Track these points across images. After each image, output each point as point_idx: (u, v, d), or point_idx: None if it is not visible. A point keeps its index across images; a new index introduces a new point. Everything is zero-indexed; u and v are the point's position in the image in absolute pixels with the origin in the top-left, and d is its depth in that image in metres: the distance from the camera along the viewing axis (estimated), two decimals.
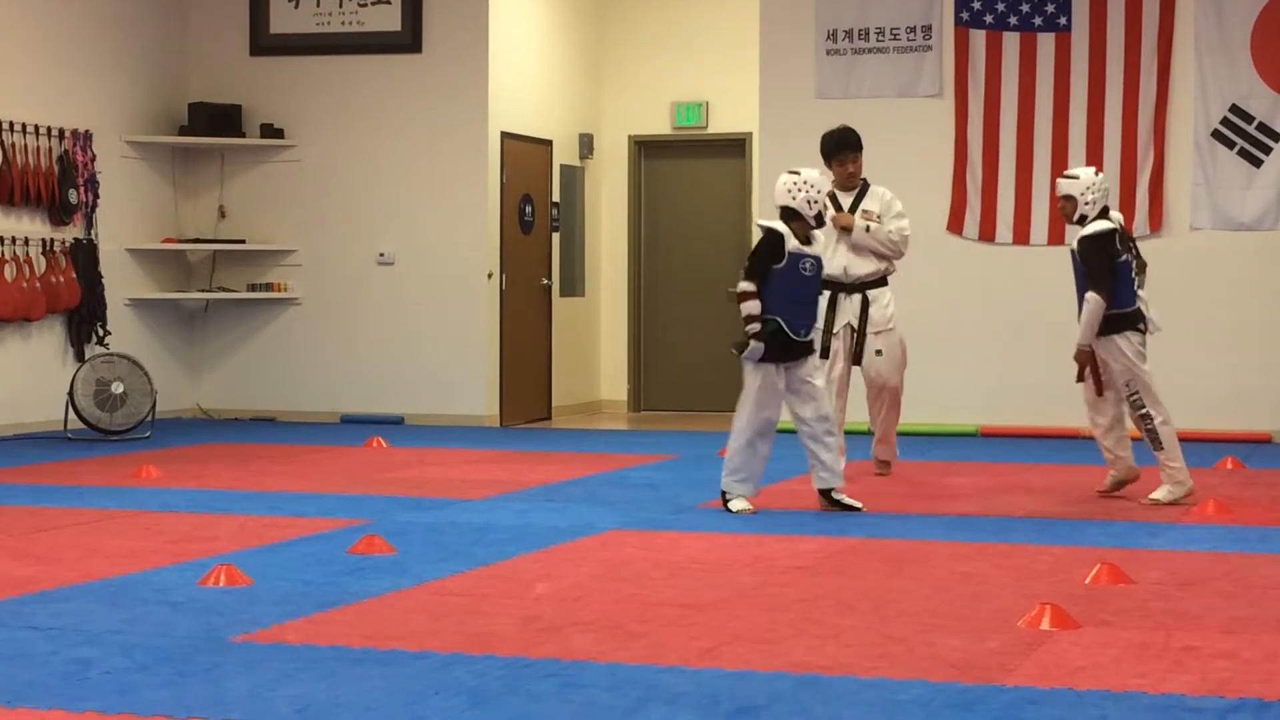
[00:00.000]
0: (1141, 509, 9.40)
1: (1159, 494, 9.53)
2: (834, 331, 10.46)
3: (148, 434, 13.43)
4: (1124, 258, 9.47)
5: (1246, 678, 5.40)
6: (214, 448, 12.87)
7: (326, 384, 15.21)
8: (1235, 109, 13.42)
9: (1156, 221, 13.56)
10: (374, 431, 13.57)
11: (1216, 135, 13.45)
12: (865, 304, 10.51)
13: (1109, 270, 9.35)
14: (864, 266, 10.51)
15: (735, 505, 9.15)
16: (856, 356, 10.55)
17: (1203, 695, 5.15)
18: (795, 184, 9.10)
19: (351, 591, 6.89)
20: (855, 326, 10.51)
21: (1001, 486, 10.34)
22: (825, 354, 10.32)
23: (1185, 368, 13.55)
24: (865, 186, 10.62)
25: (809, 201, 9.07)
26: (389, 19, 15.01)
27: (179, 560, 7.64)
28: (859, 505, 9.28)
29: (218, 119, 15.10)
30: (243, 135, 15.20)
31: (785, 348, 9.05)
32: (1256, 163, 13.40)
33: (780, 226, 9.10)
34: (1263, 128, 13.37)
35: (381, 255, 15.11)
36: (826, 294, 10.16)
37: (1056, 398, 13.70)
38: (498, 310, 15.05)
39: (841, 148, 10.60)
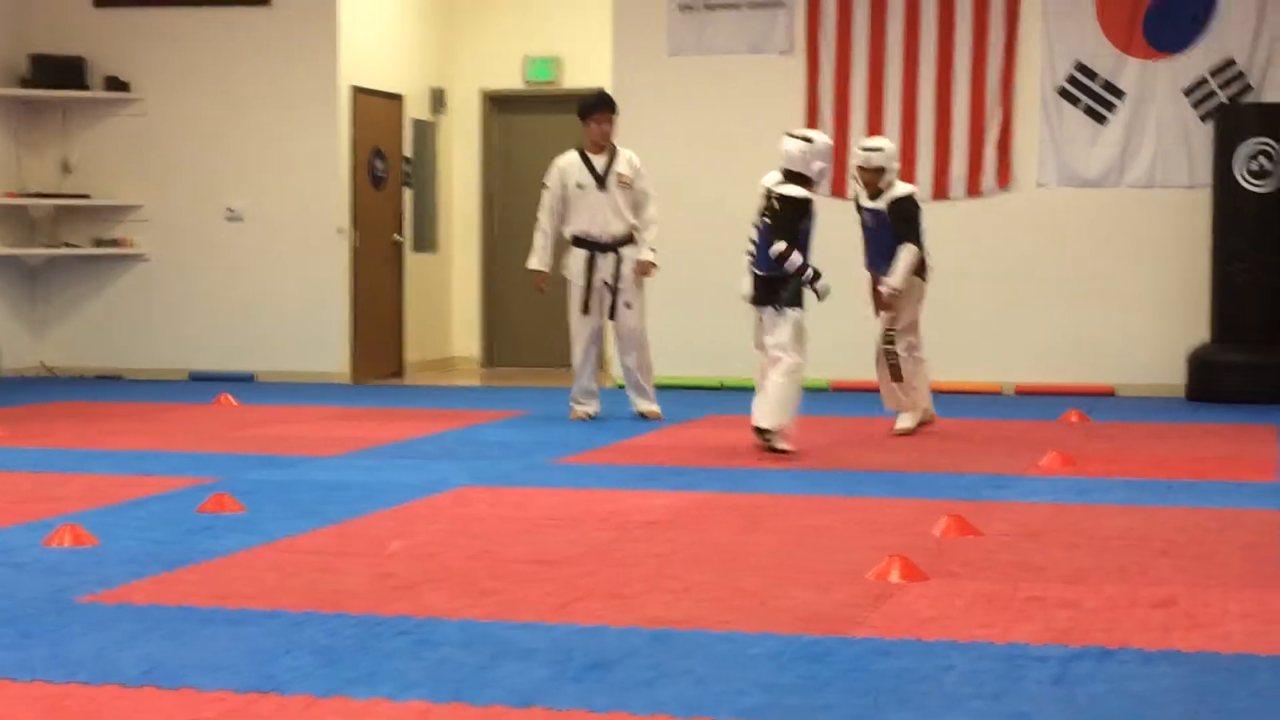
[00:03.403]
0: (991, 461, 9.56)
1: (905, 421, 10.58)
2: (593, 287, 11.29)
3: None
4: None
5: (1089, 626, 5.50)
6: (59, 406, 12.65)
7: (175, 341, 15.00)
8: (1081, 66, 13.60)
9: (1004, 177, 13.73)
10: (223, 389, 13.42)
11: (1062, 93, 13.63)
12: (619, 261, 11.31)
13: (919, 225, 10.56)
14: (619, 226, 11.34)
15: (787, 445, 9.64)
16: (611, 312, 11.37)
17: (1047, 644, 5.25)
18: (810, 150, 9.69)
19: (200, 550, 6.82)
20: (610, 283, 11.33)
21: (852, 440, 10.44)
22: (586, 309, 11.33)
23: (1030, 322, 13.78)
24: (614, 150, 11.42)
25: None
26: None
27: (23, 520, 7.52)
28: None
29: (61, 71, 14.80)
30: (87, 88, 14.92)
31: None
32: (1101, 120, 13.60)
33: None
34: (1107, 85, 13.57)
35: (230, 211, 14.92)
36: (584, 253, 11.28)
37: None
38: (349, 266, 14.92)
39: (598, 107, 11.44)
